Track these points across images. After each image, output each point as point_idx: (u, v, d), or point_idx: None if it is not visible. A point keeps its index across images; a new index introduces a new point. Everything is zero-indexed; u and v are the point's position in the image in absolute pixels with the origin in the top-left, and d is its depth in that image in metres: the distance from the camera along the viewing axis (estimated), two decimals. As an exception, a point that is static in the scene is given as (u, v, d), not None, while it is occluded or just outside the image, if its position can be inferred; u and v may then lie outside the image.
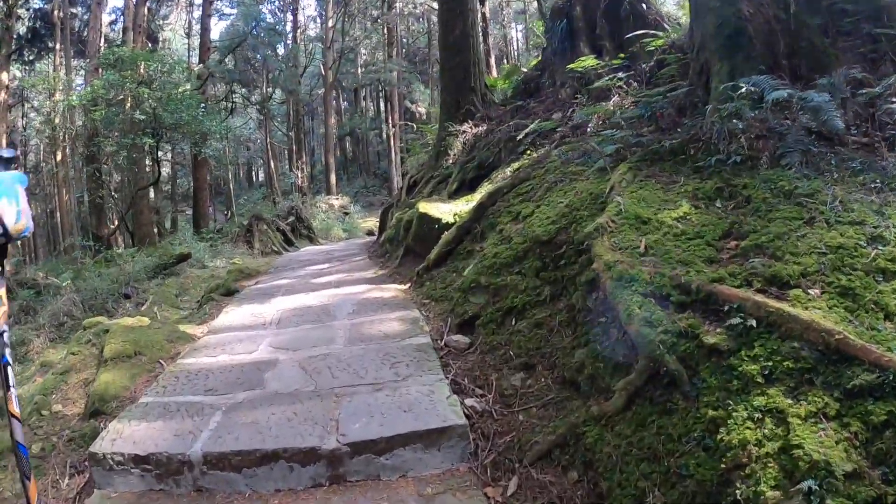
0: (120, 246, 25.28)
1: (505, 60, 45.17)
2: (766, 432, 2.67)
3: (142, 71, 19.98)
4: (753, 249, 3.65)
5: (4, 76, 23.27)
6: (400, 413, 3.92)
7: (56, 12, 28.60)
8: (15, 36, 32.70)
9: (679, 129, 6.05)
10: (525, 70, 13.42)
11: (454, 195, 9.94)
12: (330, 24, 38.55)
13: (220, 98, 32.29)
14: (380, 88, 50.34)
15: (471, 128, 11.99)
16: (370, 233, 28.83)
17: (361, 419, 3.88)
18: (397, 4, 42.59)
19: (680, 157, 5.45)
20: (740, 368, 2.92)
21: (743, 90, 4.97)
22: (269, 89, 37.38)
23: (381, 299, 7.07)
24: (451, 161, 11.78)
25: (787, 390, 2.75)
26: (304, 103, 46.80)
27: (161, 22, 40.77)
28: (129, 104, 19.55)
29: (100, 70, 20.44)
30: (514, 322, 5.07)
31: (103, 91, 18.58)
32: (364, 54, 47.76)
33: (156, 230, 36.93)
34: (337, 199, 32.92)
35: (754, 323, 3.06)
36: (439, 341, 5.36)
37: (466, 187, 10.12)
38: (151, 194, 36.45)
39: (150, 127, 18.99)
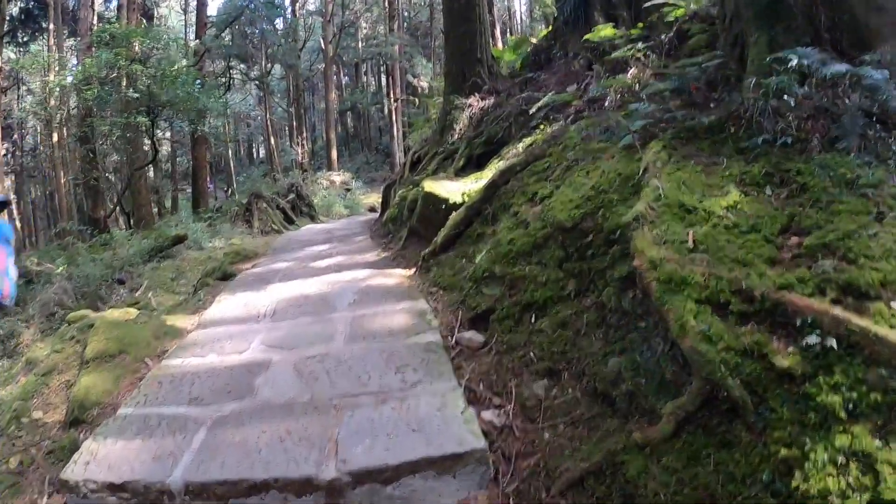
0: (118, 228, 24.85)
1: (508, 33, 44.30)
2: (850, 481, 2.20)
3: (136, 49, 19.35)
4: (820, 249, 3.10)
5: None
6: (409, 433, 3.39)
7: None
8: (7, 17, 32.23)
9: (712, 105, 5.49)
10: (534, 41, 12.75)
11: (461, 172, 9.36)
12: (329, -4, 37.76)
13: (218, 74, 31.47)
14: (381, 63, 49.54)
15: (477, 101, 11.37)
16: (372, 209, 28.26)
17: (364, 441, 3.35)
18: (397, -25, 41.77)
19: (719, 135, 4.90)
20: (818, 399, 2.45)
21: (793, 63, 4.37)
22: (269, 65, 36.62)
23: (384, 287, 6.51)
24: (456, 136, 11.18)
25: (874, 429, 2.30)
26: (305, 79, 46.00)
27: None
28: (123, 83, 18.90)
29: (93, 48, 19.81)
30: (533, 319, 4.55)
31: (95, 70, 17.92)
32: (365, 28, 46.89)
33: (156, 210, 36.55)
34: (338, 175, 32.29)
35: (834, 343, 2.55)
36: (450, 338, 4.83)
37: (474, 164, 9.55)
38: (152, 173, 36.08)
39: (144, 105, 18.34)
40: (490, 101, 11.18)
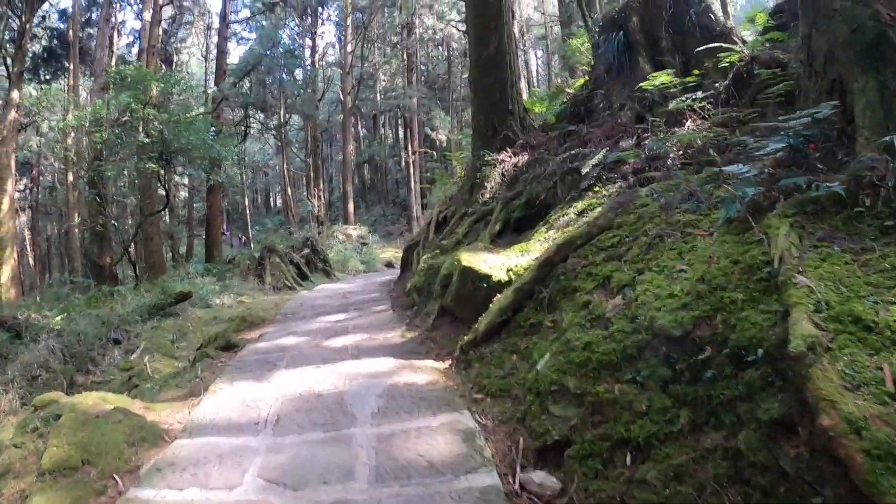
0: (126, 277, 23.77)
1: (526, 87, 43.57)
2: None
3: (154, 92, 18.42)
4: None
5: (15, 94, 21.86)
6: None
7: (72, 31, 27.24)
8: (30, 55, 31.85)
9: (822, 168, 4.33)
10: (570, 91, 11.59)
11: (497, 239, 8.12)
12: (349, 48, 37.06)
13: (235, 123, 30.61)
14: (399, 115, 48.81)
15: (509, 156, 10.22)
16: (389, 264, 27.17)
17: None
18: (417, 30, 41.18)
19: (852, 209, 3.75)
20: None
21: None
22: (287, 115, 35.81)
23: (415, 388, 5.18)
24: (487, 195, 9.98)
25: None
26: (323, 130, 45.31)
27: (179, 45, 39.56)
28: (138, 126, 17.91)
29: (106, 90, 18.90)
30: (631, 461, 3.29)
31: (105, 111, 16.93)
32: (383, 80, 46.28)
33: (170, 255, 35.64)
34: (354, 228, 31.17)
35: None
36: (511, 480, 3.55)
37: (511, 229, 8.31)
38: (168, 219, 35.17)
39: (156, 151, 17.27)
40: (524, 157, 10.04)
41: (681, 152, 6.69)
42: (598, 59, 10.54)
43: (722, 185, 4.90)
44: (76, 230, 24.45)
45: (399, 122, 52.85)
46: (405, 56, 42.78)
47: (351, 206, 36.22)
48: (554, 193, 7.72)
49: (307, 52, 39.08)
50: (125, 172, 17.71)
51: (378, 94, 46.25)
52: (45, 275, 39.06)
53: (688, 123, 7.31)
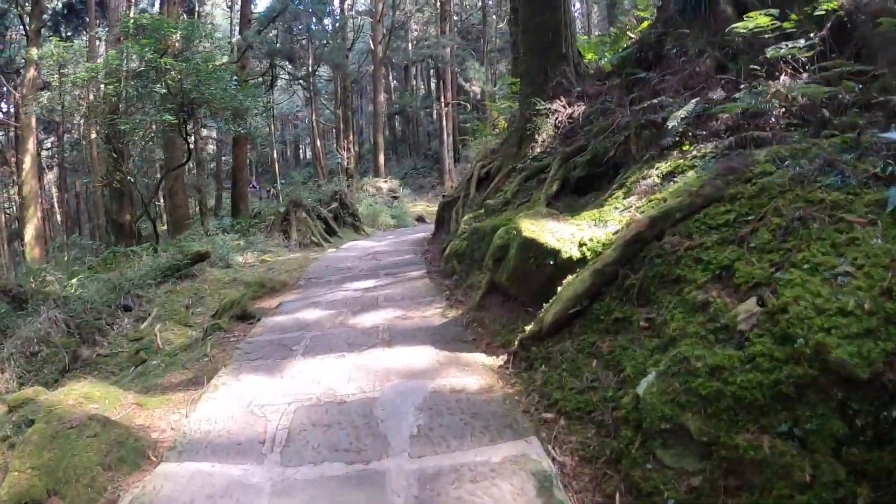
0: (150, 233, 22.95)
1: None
2: None
3: (174, 41, 17.23)
4: None
5: (34, 52, 20.87)
6: None
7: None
8: (49, 12, 30.78)
9: None
10: (633, 36, 10.16)
11: (554, 201, 6.90)
12: (380, -6, 35.44)
13: (261, 73, 29.25)
14: (432, 66, 47.09)
15: (564, 106, 8.90)
16: (420, 219, 26.03)
17: None
18: (450, -26, 39.38)
19: None
20: None
21: None
22: (315, 64, 34.38)
23: (465, 396, 4.03)
24: (539, 149, 8.72)
25: None
26: (353, 80, 43.81)
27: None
28: (155, 77, 16.77)
29: (122, 40, 17.72)
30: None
31: (117, 63, 15.74)
32: (415, 30, 44.47)
33: (198, 209, 34.83)
34: (385, 181, 29.92)
35: None
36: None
37: (570, 190, 7.08)
38: (195, 172, 34.25)
39: (174, 103, 16.10)
40: (580, 107, 8.74)
41: (783, 109, 5.41)
42: (668, -2, 9.16)
43: (870, 157, 3.69)
44: (98, 187, 23.54)
45: (431, 73, 51.16)
46: (438, 4, 40.91)
47: (382, 158, 34.93)
48: (626, 150, 6.44)
49: (336, 1, 37.54)
50: (145, 126, 16.53)
51: (410, 44, 44.43)
52: (74, 232, 38.61)
53: (782, 77, 5.99)
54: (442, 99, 39.89)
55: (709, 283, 3.45)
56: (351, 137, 35.84)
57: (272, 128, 44.29)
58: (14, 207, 33.59)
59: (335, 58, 31.17)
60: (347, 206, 20.74)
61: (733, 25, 6.70)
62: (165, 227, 25.73)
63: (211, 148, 45.25)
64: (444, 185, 37.99)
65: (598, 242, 4.63)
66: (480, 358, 4.68)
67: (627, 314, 3.87)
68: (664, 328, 3.46)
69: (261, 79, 28.57)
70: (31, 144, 21.99)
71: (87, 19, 28.53)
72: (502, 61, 48.88)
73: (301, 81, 33.89)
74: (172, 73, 15.47)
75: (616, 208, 5.16)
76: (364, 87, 54.24)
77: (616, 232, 4.65)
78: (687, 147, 5.54)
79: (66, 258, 18.90)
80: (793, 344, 2.65)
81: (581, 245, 4.72)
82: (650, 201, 4.77)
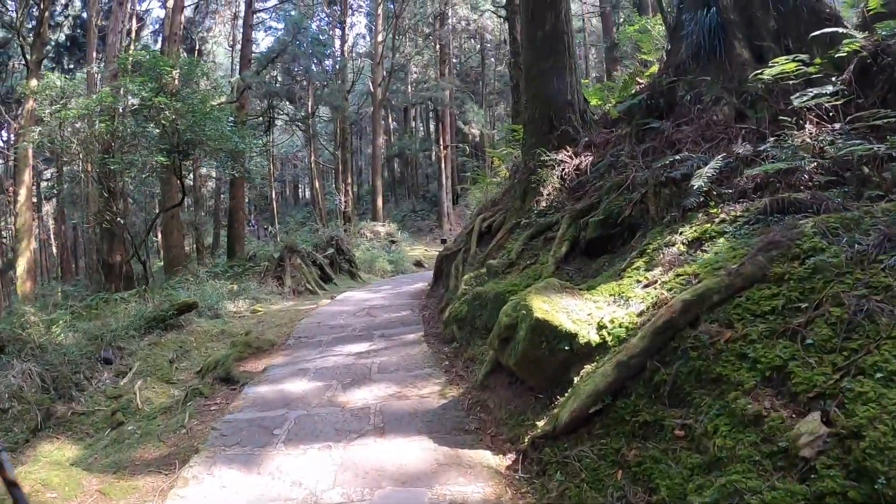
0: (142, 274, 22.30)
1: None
2: None
3: (175, 80, 16.79)
4: None
5: (34, 83, 20.43)
6: None
7: (94, 19, 25.78)
8: (52, 43, 30.58)
9: None
10: (641, 81, 9.66)
11: (564, 264, 6.29)
12: (380, 38, 35.17)
13: (260, 113, 28.85)
14: (431, 108, 46.86)
15: (570, 157, 8.39)
16: (418, 264, 25.44)
17: None
18: (450, 20, 39.25)
19: None
20: None
21: None
22: (314, 106, 34.04)
23: (467, 511, 3.38)
24: (544, 203, 8.15)
25: None
26: (352, 122, 43.53)
27: (205, 34, 38.06)
28: (150, 116, 16.31)
29: (118, 76, 17.30)
30: None
31: (111, 99, 15.25)
32: (415, 72, 44.26)
33: (195, 247, 34.25)
34: (383, 225, 29.36)
35: None
36: None
37: (580, 252, 6.47)
38: (193, 210, 33.71)
39: (168, 143, 15.60)
40: (587, 157, 8.23)
41: (814, 164, 4.87)
42: (676, 42, 8.66)
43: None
44: (90, 225, 22.96)
45: (431, 115, 50.94)
46: (437, 47, 40.79)
47: (380, 201, 34.42)
48: (643, 210, 5.86)
49: (336, 43, 37.31)
50: (140, 165, 15.98)
51: (409, 87, 44.21)
52: (72, 265, 38.05)
53: (807, 126, 5.46)
54: (441, 141, 39.62)
55: (758, 387, 2.84)
56: (349, 179, 35.42)
57: (271, 167, 43.91)
58: (10, 238, 33.05)
59: (334, 100, 30.81)
60: (344, 251, 20.12)
61: (756, 72, 6.20)
62: (162, 264, 25.06)
63: (210, 185, 44.82)
64: (443, 228, 37.52)
65: (620, 325, 4.02)
66: (485, 457, 4.03)
67: (658, 417, 3.25)
68: (706, 442, 2.84)
69: (259, 119, 28.09)
70: (26, 176, 21.46)
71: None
72: (500, 104, 48.78)
73: (300, 123, 33.41)
74: (167, 112, 14.96)
75: (637, 281, 4.55)
76: (363, 129, 54.05)
77: (640, 313, 4.04)
78: (714, 209, 4.97)
79: (53, 299, 18.24)
80: (871, 483, 2.05)
81: (600, 328, 4.12)
82: (677, 276, 4.16)
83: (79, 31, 31.35)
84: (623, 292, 4.49)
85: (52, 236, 39.64)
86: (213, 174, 39.78)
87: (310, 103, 33.60)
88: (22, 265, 20.69)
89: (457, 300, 7.39)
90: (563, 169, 8.25)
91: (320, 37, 26.09)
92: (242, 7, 30.96)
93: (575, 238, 6.53)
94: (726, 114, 6.94)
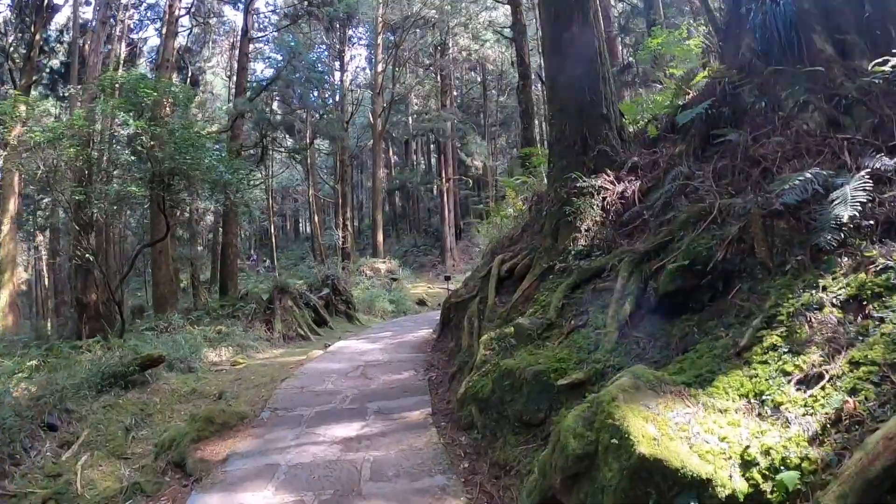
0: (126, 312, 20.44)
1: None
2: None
3: (166, 107, 15.18)
4: None
5: (22, 109, 18.84)
6: None
7: (87, 46, 24.37)
8: (48, 70, 29.19)
9: None
10: (688, 90, 7.87)
11: (630, 327, 4.50)
12: (379, 68, 33.75)
13: (254, 143, 27.07)
14: (432, 140, 45.29)
15: (611, 182, 6.64)
16: (420, 302, 23.72)
17: None
18: (451, 51, 37.83)
19: None
20: None
21: None
22: (312, 135, 32.35)
23: None
24: (583, 241, 6.37)
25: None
26: (352, 155, 41.98)
27: (203, 64, 36.57)
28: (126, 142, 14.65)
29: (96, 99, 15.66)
30: None
31: (82, 123, 13.52)
32: (416, 104, 42.75)
33: (190, 282, 32.42)
34: (383, 262, 27.56)
35: None
36: None
37: (650, 309, 4.66)
38: (188, 243, 31.91)
39: (145, 172, 13.90)
40: (632, 182, 6.52)
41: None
42: (732, 41, 7.03)
43: None
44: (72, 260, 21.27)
45: (432, 147, 49.37)
46: (438, 77, 39.33)
47: (380, 235, 32.70)
48: (743, 251, 4.07)
49: (336, 76, 35.88)
50: (113, 196, 14.25)
51: (410, 118, 42.66)
52: (66, 300, 36.33)
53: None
54: (443, 174, 37.93)
55: None
56: (349, 214, 33.62)
57: (270, 201, 42.30)
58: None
59: (332, 130, 29.15)
60: (340, 291, 18.31)
61: (874, 63, 4.53)
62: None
63: (209, 219, 43.21)
64: (446, 263, 35.75)
65: (782, 462, 2.23)
66: None
67: None
68: None
69: (254, 148, 26.35)
70: (11, 205, 19.80)
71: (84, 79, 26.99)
72: (504, 135, 47.33)
73: (295, 154, 31.67)
74: (143, 137, 13.26)
75: (784, 373, 2.77)
76: (364, 162, 52.48)
77: (814, 437, 2.26)
78: (870, 251, 3.21)
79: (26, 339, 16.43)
80: None
81: (747, 465, 2.31)
82: (854, 365, 2.38)
83: (74, 58, 30.06)
84: (765, 392, 2.70)
85: (45, 269, 37.82)
86: (212, 207, 38.20)
87: (308, 134, 32.00)
88: (4, 299, 18.94)
89: (475, 371, 5.56)
90: (605, 198, 6.51)
91: (317, 65, 24.41)
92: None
93: (642, 290, 4.75)
94: (818, 121, 5.26)
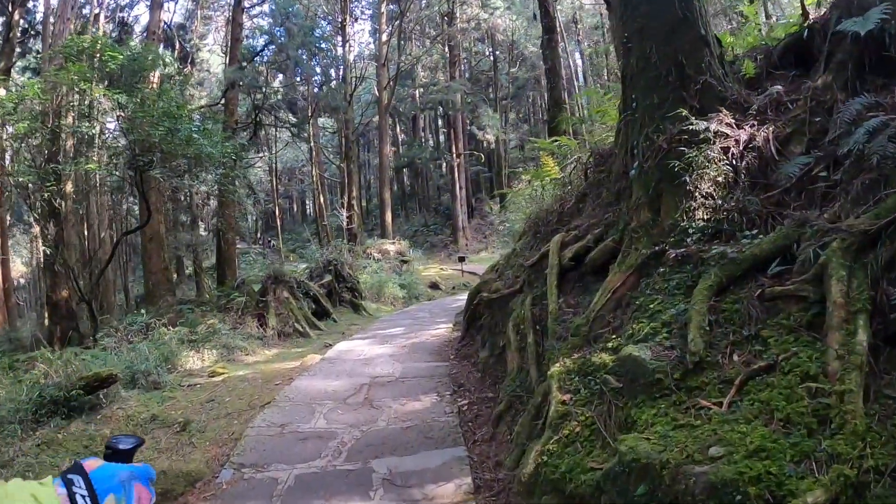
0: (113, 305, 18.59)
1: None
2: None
3: (154, 85, 12.88)
4: None
5: (2, 93, 16.56)
6: None
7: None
8: (35, 52, 27.04)
9: None
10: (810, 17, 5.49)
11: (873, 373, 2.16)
12: (384, 38, 31.16)
13: (249, 119, 24.42)
14: (441, 114, 42.69)
15: (728, 127, 4.30)
16: (433, 286, 21.41)
17: None
18: (457, 20, 35.06)
19: None
20: None
21: None
22: (312, 106, 29.78)
23: None
24: (700, 214, 4.01)
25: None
26: (359, 133, 39.49)
27: (198, 41, 33.99)
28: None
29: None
30: None
31: (35, 92, 11.15)
32: (423, 77, 40.02)
33: (194, 270, 30.25)
34: (392, 243, 25.07)
35: None
36: None
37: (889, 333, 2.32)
38: (193, 231, 29.73)
39: (115, 150, 11.60)
40: (760, 130, 4.17)
41: None
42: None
43: None
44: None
45: (440, 123, 46.76)
46: (447, 49, 36.62)
47: (389, 215, 30.25)
48: None
49: (339, 51, 33.23)
50: (64, 177, 11.96)
51: (417, 91, 39.93)
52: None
53: None
54: (453, 149, 35.41)
55: None
56: (354, 193, 31.08)
57: (274, 182, 39.99)
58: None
59: (333, 100, 26.62)
60: (345, 278, 15.93)
61: None
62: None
63: (214, 203, 40.93)
64: (458, 243, 33.54)
65: None
66: None
67: None
68: None
69: (246, 128, 23.79)
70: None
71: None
72: (516, 108, 44.75)
73: (295, 129, 29.03)
74: (104, 105, 10.96)
75: None
76: (371, 142, 50.02)
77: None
78: None
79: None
80: None
81: None
82: None
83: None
84: None
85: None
86: (205, 190, 35.93)
87: (310, 106, 29.52)
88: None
89: (549, 431, 3.24)
90: (727, 149, 4.18)
91: (313, 29, 21.72)
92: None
93: (870, 303, 2.44)
94: None
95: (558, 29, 16.31)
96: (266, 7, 27.53)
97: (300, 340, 12.04)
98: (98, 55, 12.08)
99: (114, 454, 2.10)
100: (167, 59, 14.74)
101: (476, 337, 7.57)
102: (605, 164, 5.96)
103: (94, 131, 11.56)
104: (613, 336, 3.73)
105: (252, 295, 13.16)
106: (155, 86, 13.75)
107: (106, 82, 12.05)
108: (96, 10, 24.74)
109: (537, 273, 5.59)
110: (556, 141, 9.21)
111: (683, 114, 4.40)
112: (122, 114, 11.49)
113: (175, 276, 36.78)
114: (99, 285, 16.03)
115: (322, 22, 32.69)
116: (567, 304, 4.85)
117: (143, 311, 14.44)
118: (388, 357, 8.50)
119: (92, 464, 1.90)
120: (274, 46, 20.94)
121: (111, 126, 13.50)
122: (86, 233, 21.69)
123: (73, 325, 14.12)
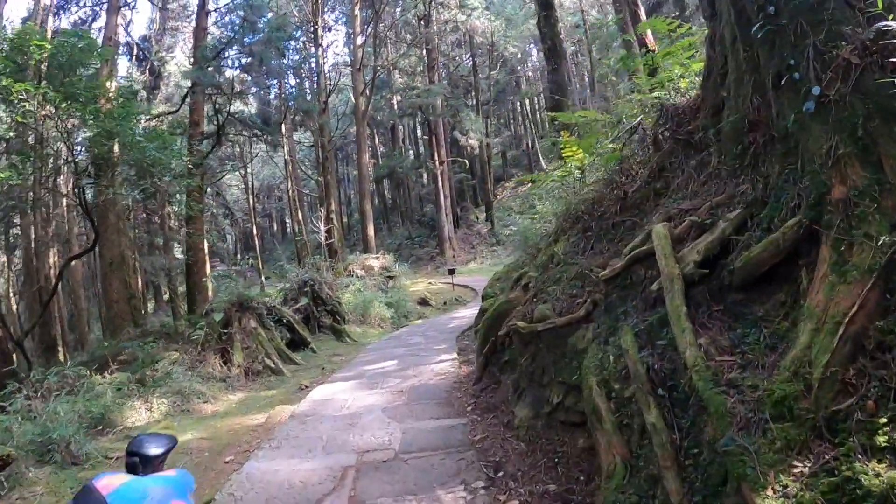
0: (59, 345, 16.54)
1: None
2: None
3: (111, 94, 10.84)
4: None
5: None
6: None
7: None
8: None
9: None
10: None
11: None
12: (359, 41, 29.18)
13: (216, 130, 22.14)
14: (420, 121, 40.69)
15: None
16: (423, 302, 19.47)
17: None
18: (434, 21, 33.21)
19: None
20: None
21: None
22: (283, 109, 27.72)
23: None
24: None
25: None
26: (335, 146, 37.45)
27: (164, 54, 31.86)
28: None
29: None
30: None
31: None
32: (401, 82, 38.08)
33: (167, 297, 28.35)
34: (376, 258, 22.95)
35: None
36: None
37: None
38: (166, 255, 27.56)
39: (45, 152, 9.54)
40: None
41: None
42: None
43: None
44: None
45: (420, 131, 44.87)
46: (424, 52, 34.74)
47: (371, 228, 28.08)
48: None
49: (312, 49, 31.10)
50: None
51: (395, 97, 38.01)
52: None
53: None
54: (435, 156, 33.40)
55: None
56: (334, 206, 28.89)
57: (251, 200, 37.91)
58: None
59: (306, 104, 24.55)
60: (324, 300, 13.78)
61: None
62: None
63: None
64: (445, 255, 31.70)
65: None
66: None
67: None
68: None
69: (216, 131, 21.49)
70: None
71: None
72: (497, 113, 43.12)
73: (265, 136, 26.62)
74: (27, 104, 8.90)
75: None
76: (349, 155, 48.23)
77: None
78: None
79: None
80: None
81: None
82: None
83: None
84: None
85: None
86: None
87: (282, 111, 27.48)
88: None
89: None
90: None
91: (282, 26, 19.56)
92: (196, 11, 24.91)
93: None
94: None
95: (555, 4, 14.31)
96: (233, 16, 25.55)
97: (271, 380, 9.98)
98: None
99: (141, 462, 1.73)
100: (106, 52, 12.55)
101: (501, 379, 5.54)
102: (694, 123, 3.96)
103: (9, 134, 9.42)
104: (882, 421, 1.75)
105: (214, 327, 11.00)
106: (112, 94, 11.77)
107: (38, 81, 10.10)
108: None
109: (622, 291, 3.53)
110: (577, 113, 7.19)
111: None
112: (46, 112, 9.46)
113: (153, 301, 34.76)
114: (49, 320, 13.84)
115: (292, 21, 30.69)
116: (715, 346, 2.76)
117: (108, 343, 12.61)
118: (381, 412, 6.31)
119: (110, 482, 1.61)
120: (237, 46, 18.79)
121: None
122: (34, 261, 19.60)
123: (9, 372, 11.94)
